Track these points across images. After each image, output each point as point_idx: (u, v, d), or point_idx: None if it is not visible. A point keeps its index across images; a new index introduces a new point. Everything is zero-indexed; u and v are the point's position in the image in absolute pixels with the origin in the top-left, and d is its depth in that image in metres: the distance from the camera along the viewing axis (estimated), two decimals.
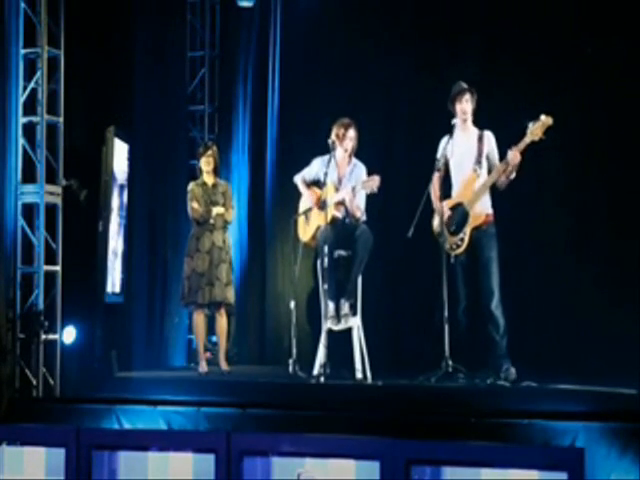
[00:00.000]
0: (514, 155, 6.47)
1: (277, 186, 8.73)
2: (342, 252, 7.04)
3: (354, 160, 7.23)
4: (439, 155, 6.75)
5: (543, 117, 6.43)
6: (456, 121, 6.74)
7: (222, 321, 7.52)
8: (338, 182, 7.17)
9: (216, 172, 7.61)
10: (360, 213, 7.08)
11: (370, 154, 7.43)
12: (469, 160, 6.70)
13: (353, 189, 6.99)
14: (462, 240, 6.59)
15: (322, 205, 7.02)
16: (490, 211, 6.67)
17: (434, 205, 6.75)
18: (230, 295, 7.44)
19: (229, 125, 9.22)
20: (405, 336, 8.01)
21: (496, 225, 6.68)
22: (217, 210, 7.44)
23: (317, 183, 7.20)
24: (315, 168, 7.26)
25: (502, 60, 7.85)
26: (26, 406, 6.61)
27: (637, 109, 7.26)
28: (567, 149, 7.52)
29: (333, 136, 7.11)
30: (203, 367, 7.48)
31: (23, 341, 6.86)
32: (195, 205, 7.46)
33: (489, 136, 6.73)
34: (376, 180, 6.86)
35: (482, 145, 6.69)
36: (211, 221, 7.42)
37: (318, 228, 7.08)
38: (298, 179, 7.37)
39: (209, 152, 7.55)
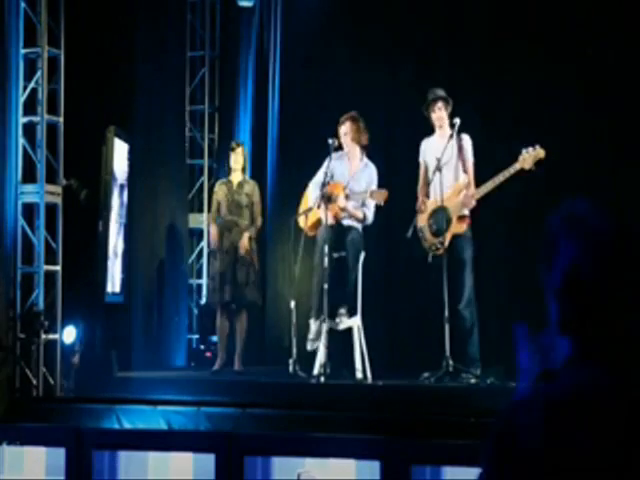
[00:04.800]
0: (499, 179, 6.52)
1: (277, 186, 8.73)
2: (342, 252, 7.03)
3: (365, 160, 7.20)
4: (420, 158, 6.88)
5: (537, 148, 6.44)
6: (457, 120, 6.78)
7: (242, 321, 7.54)
8: (349, 179, 7.10)
9: (244, 171, 7.64)
10: (365, 215, 7.06)
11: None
12: (451, 165, 6.76)
13: (363, 203, 7.00)
14: (441, 244, 6.64)
15: (326, 200, 6.99)
16: (467, 213, 6.73)
17: (418, 203, 6.82)
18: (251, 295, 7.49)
19: (229, 125, 9.22)
20: (405, 336, 8.01)
21: (472, 228, 6.73)
22: (232, 239, 7.44)
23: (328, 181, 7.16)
24: (324, 167, 7.20)
25: (503, 60, 7.87)
26: (26, 406, 6.60)
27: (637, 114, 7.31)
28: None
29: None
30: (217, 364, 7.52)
31: (23, 341, 6.86)
32: (213, 231, 7.56)
33: (466, 140, 6.80)
34: (384, 194, 6.85)
35: (462, 153, 6.76)
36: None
37: (319, 221, 7.05)
38: (313, 183, 7.27)
39: (238, 150, 7.58)
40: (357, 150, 7.16)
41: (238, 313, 7.52)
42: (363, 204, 7.10)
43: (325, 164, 7.14)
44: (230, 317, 7.55)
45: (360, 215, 7.08)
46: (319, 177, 7.19)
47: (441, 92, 6.85)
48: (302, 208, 7.30)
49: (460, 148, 6.76)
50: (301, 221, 7.24)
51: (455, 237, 6.66)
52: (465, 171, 6.77)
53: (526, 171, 6.47)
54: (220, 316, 7.56)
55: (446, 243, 6.63)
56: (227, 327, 7.56)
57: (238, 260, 7.43)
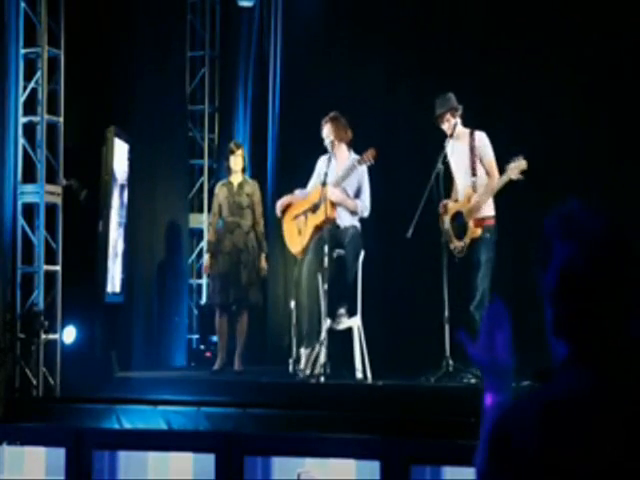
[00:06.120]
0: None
1: (277, 186, 8.72)
2: (341, 252, 7.02)
3: (353, 155, 7.17)
4: (445, 157, 6.84)
5: (520, 159, 6.46)
6: (457, 120, 6.78)
7: (242, 322, 7.55)
8: (337, 179, 7.10)
9: (244, 171, 7.66)
10: (357, 206, 7.05)
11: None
12: (464, 168, 6.74)
13: (357, 193, 6.99)
14: (463, 248, 6.64)
15: (316, 207, 7.00)
16: (489, 214, 6.67)
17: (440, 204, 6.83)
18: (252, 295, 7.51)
19: (229, 125, 9.22)
20: (405, 336, 8.01)
21: (495, 230, 6.69)
22: (235, 240, 7.46)
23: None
24: (316, 170, 7.23)
25: (503, 60, 7.88)
26: (26, 406, 6.60)
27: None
28: (567, 155, 7.56)
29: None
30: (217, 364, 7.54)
31: (23, 341, 6.85)
32: (210, 237, 7.63)
33: (480, 138, 6.73)
34: (371, 152, 6.85)
35: (474, 154, 6.70)
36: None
37: (316, 229, 7.03)
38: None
39: (238, 152, 7.59)
40: (342, 147, 7.14)
41: (239, 314, 7.52)
42: (357, 195, 7.08)
43: (318, 164, 7.14)
44: (229, 317, 7.56)
45: (352, 205, 7.04)
46: (313, 179, 7.23)
47: (447, 103, 6.78)
48: (292, 213, 7.25)
49: (472, 149, 6.72)
50: (291, 244, 7.19)
51: (473, 240, 6.65)
52: (474, 174, 6.71)
53: (515, 181, 6.49)
54: (219, 316, 7.56)
55: (466, 247, 6.63)
56: (226, 327, 7.56)
57: (241, 262, 7.44)
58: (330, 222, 6.96)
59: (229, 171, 7.66)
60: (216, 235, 7.57)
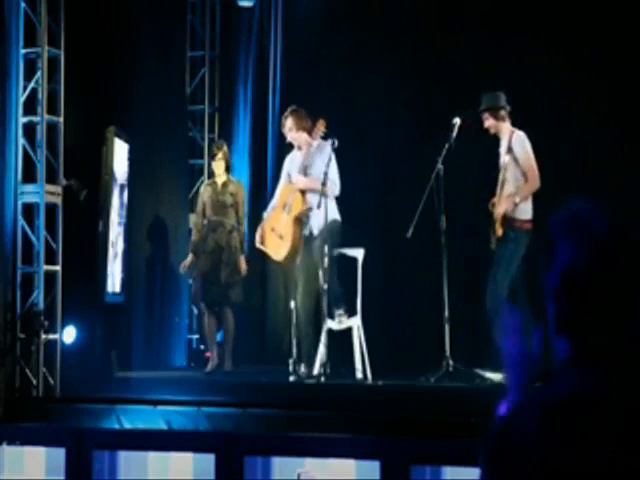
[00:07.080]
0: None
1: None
2: (339, 250, 7.01)
3: (315, 143, 7.13)
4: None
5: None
6: (457, 120, 6.77)
7: (228, 321, 7.55)
8: (304, 167, 7.08)
9: (228, 171, 7.66)
10: (324, 183, 6.95)
11: (371, 153, 7.43)
12: (501, 168, 6.73)
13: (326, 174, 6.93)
14: (495, 244, 6.64)
15: (287, 206, 7.02)
16: (521, 217, 6.62)
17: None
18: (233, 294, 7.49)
19: (229, 125, 9.23)
20: (405, 336, 8.01)
21: (526, 234, 6.65)
22: (217, 238, 7.44)
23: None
24: (284, 170, 7.29)
25: (501, 61, 7.88)
26: (26, 406, 6.60)
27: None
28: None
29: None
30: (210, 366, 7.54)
31: (23, 341, 6.85)
32: (194, 237, 7.61)
33: (516, 140, 6.63)
34: (320, 123, 6.91)
35: (507, 155, 6.64)
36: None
37: (295, 225, 6.99)
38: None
39: (220, 155, 7.60)
40: (304, 137, 7.11)
41: (223, 313, 7.53)
42: (326, 174, 6.94)
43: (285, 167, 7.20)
44: (216, 317, 7.59)
45: (318, 186, 6.90)
46: (273, 202, 7.23)
47: (488, 101, 6.76)
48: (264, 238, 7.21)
49: (508, 150, 6.63)
50: (277, 251, 7.13)
51: (497, 238, 6.62)
52: (524, 174, 6.62)
53: None
54: (207, 316, 7.58)
55: (496, 243, 6.63)
56: (214, 327, 7.60)
57: (222, 260, 7.45)
58: (307, 211, 6.93)
59: (212, 172, 7.71)
60: (200, 234, 7.57)
